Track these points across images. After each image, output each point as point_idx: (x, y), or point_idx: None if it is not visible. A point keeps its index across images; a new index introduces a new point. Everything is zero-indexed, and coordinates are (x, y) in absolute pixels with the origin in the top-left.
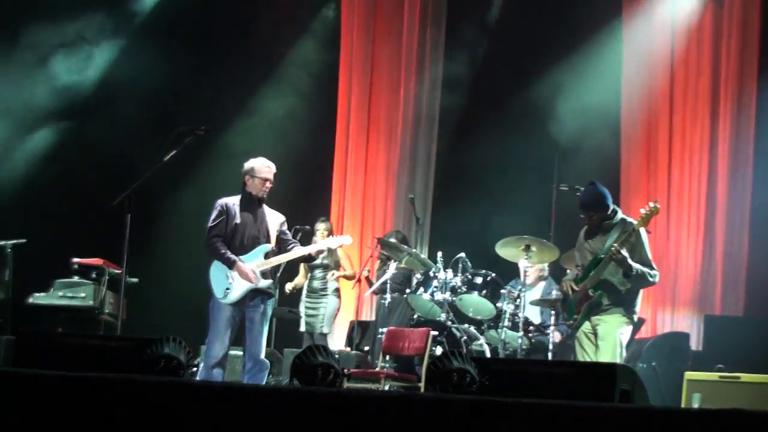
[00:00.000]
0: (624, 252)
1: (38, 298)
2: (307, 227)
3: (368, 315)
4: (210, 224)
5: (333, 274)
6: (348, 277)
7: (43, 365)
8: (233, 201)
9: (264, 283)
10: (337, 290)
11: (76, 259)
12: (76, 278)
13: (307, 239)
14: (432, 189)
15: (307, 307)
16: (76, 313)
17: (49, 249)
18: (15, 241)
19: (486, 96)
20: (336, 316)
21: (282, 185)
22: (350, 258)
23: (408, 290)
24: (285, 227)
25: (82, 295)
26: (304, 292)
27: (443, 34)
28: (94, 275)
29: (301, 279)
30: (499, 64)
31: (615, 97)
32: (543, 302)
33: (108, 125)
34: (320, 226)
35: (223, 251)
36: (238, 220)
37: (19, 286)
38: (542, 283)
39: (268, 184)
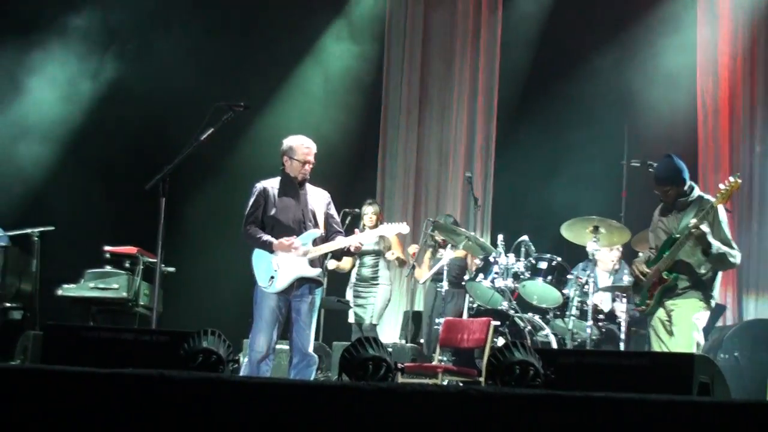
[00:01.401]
0: (704, 227)
1: (67, 290)
2: (357, 210)
3: (423, 305)
4: (247, 210)
5: (390, 255)
6: (401, 262)
7: (73, 361)
8: (272, 183)
9: (312, 271)
10: (389, 278)
11: (108, 248)
12: (108, 268)
13: (355, 224)
14: (491, 168)
15: (356, 297)
16: (108, 306)
17: (79, 236)
18: (42, 229)
19: (548, 68)
20: (387, 305)
21: (327, 166)
22: (402, 244)
23: (466, 277)
24: (332, 207)
25: (115, 286)
26: (353, 280)
27: (500, 1)
28: (127, 264)
29: (347, 265)
30: (561, 33)
31: (689, 66)
32: (613, 288)
33: (141, 104)
34: (367, 210)
35: (258, 235)
36: (278, 204)
37: (47, 277)
38: (614, 268)
39: (307, 166)
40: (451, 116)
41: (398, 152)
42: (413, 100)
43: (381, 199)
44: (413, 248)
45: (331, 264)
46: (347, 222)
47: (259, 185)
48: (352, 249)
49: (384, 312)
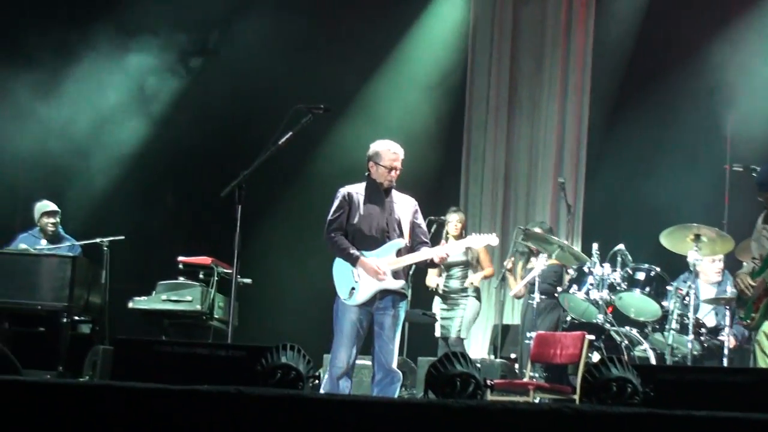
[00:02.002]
0: None
1: (139, 302)
2: (443, 218)
3: (514, 318)
4: (330, 216)
5: (473, 282)
6: (488, 276)
7: (144, 377)
8: (357, 189)
9: (396, 283)
10: (478, 290)
11: (181, 258)
12: (181, 279)
13: (440, 232)
14: (584, 172)
15: (443, 310)
16: (181, 319)
17: (151, 246)
18: (112, 238)
19: (645, 65)
20: (476, 318)
21: (408, 170)
22: (489, 256)
23: (559, 289)
24: (419, 215)
25: (188, 298)
26: (440, 292)
27: None
28: (201, 276)
29: (435, 278)
30: (660, 29)
31: None
32: (716, 301)
33: (215, 107)
34: (452, 217)
35: (344, 246)
36: (362, 212)
37: (117, 289)
38: (717, 280)
39: (393, 173)
40: (541, 116)
41: (484, 155)
42: (501, 99)
43: (465, 205)
44: (510, 263)
45: (432, 281)
46: (432, 230)
47: (343, 190)
48: (436, 260)
49: (472, 325)
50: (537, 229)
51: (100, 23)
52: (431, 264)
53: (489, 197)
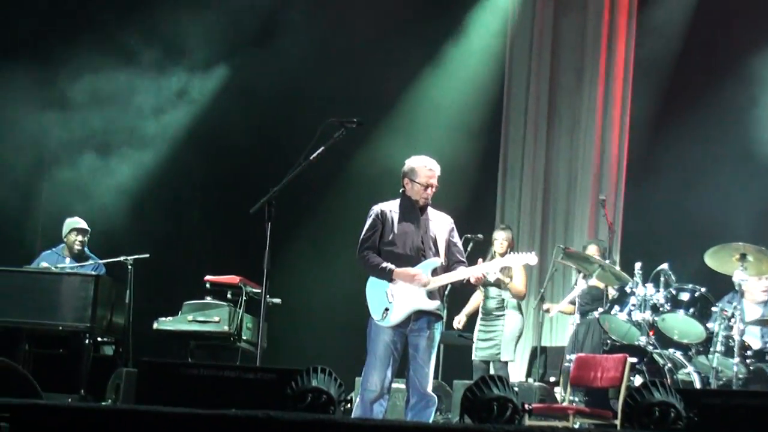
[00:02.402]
0: None
1: (164, 323)
2: (480, 236)
3: (553, 340)
4: (363, 234)
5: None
6: (515, 291)
7: (170, 401)
8: (391, 207)
9: (431, 303)
10: (519, 308)
11: (208, 277)
12: (208, 299)
13: (478, 251)
14: (625, 189)
15: (481, 331)
16: (208, 340)
17: (177, 265)
18: (137, 256)
19: (690, 78)
20: (518, 339)
21: (443, 186)
22: (526, 275)
23: (600, 309)
24: (455, 234)
25: (216, 318)
26: (479, 313)
27: (635, 7)
28: (229, 295)
29: (475, 305)
30: (705, 41)
31: None
32: (763, 322)
33: (243, 120)
34: (499, 235)
35: (376, 262)
36: (396, 230)
37: (142, 309)
38: (763, 299)
39: (430, 190)
40: (581, 131)
41: (522, 171)
42: (540, 113)
43: (502, 223)
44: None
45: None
46: (469, 249)
47: (377, 208)
48: (472, 280)
49: (516, 344)
50: (592, 248)
51: (134, 35)
52: (467, 283)
53: (527, 215)
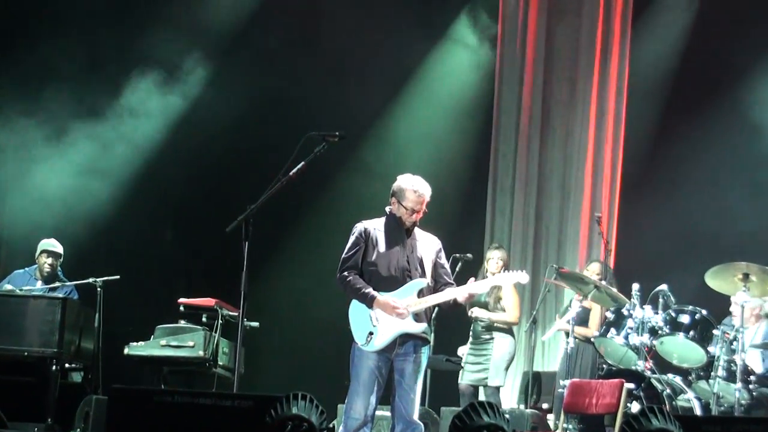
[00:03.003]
0: None
1: (136, 348)
2: (469, 256)
3: (546, 364)
4: (345, 253)
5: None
6: (504, 324)
7: (143, 431)
8: (375, 225)
9: (417, 326)
10: (510, 331)
11: (182, 300)
12: (182, 323)
13: (469, 270)
14: (617, 205)
15: (470, 355)
16: (182, 366)
17: (149, 287)
18: (106, 278)
19: (685, 89)
20: (509, 363)
21: (430, 204)
22: (518, 295)
23: (596, 332)
24: (443, 255)
25: (190, 343)
26: (470, 337)
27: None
28: (204, 319)
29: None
30: (700, 52)
31: None
32: (766, 346)
33: (219, 136)
34: (494, 254)
35: (358, 286)
36: (381, 249)
37: (113, 334)
38: (763, 322)
39: (415, 216)
40: (574, 145)
41: (513, 187)
42: (532, 127)
43: (491, 242)
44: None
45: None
46: (457, 269)
47: (360, 226)
48: (460, 299)
49: (506, 369)
50: (592, 269)
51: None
52: (455, 305)
53: (518, 233)
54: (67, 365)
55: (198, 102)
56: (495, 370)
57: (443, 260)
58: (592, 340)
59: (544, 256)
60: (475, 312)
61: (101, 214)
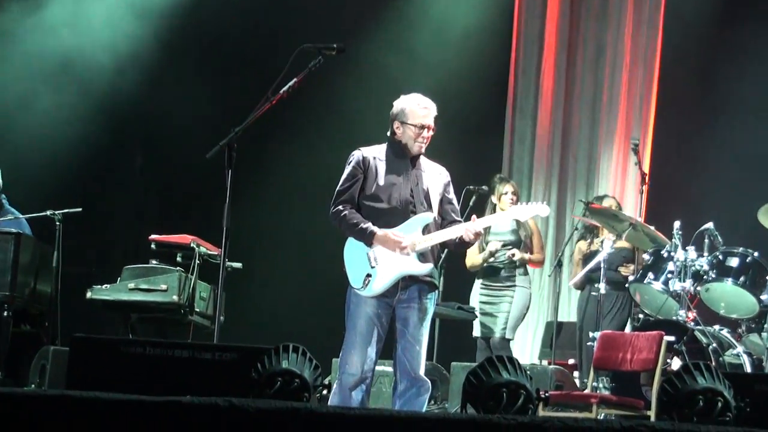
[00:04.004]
0: None
1: (100, 292)
2: (485, 188)
3: (571, 314)
4: (340, 185)
5: (514, 255)
6: (535, 263)
7: (109, 386)
8: (376, 153)
9: (422, 267)
10: (529, 279)
11: (154, 236)
12: (153, 263)
13: (482, 204)
14: (651, 130)
15: (483, 302)
16: (154, 313)
17: (116, 221)
18: (66, 210)
19: None
20: (525, 315)
21: (438, 128)
22: (539, 233)
23: (631, 277)
24: (451, 189)
25: (163, 286)
26: (478, 280)
27: None
28: (179, 258)
29: (475, 258)
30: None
31: None
32: None
33: (199, 45)
34: (503, 188)
35: (355, 221)
36: (382, 181)
37: (73, 275)
38: None
39: (426, 133)
40: (607, 60)
41: (536, 110)
42: (560, 39)
43: (510, 173)
44: (582, 245)
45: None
46: (471, 203)
47: (358, 154)
48: (467, 238)
49: (520, 323)
50: (605, 204)
51: None
52: (461, 244)
53: (541, 163)
54: (20, 310)
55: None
56: (511, 321)
57: (451, 195)
58: (626, 285)
59: (570, 189)
60: (492, 245)
61: (56, 130)
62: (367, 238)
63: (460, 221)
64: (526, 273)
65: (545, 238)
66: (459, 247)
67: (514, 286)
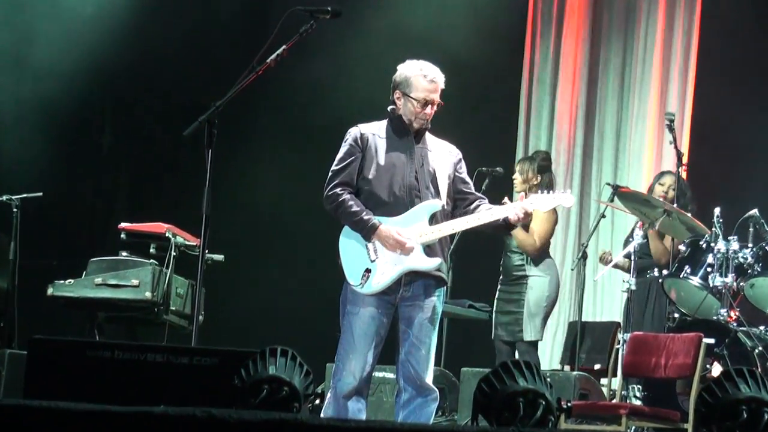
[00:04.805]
0: None
1: (62, 288)
2: (499, 169)
3: (598, 313)
4: (335, 166)
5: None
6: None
7: (72, 395)
8: (375, 130)
9: (429, 262)
10: (546, 268)
11: (124, 225)
12: (124, 254)
13: (498, 190)
14: (690, 106)
15: (500, 300)
16: (124, 311)
17: (81, 208)
18: (25, 195)
19: None
20: (548, 311)
21: (446, 102)
22: (549, 223)
23: (665, 271)
24: (463, 168)
25: (134, 282)
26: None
27: None
28: (153, 250)
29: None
30: None
31: None
32: None
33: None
34: (524, 167)
35: (354, 209)
36: (382, 161)
37: (33, 269)
38: None
39: (429, 109)
40: (638, 28)
41: (555, 81)
42: (582, 2)
43: (526, 153)
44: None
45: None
46: (483, 187)
47: (355, 131)
48: (514, 219)
49: (543, 320)
50: (667, 177)
51: None
52: (505, 227)
53: (561, 141)
54: None
55: None
56: (529, 320)
57: (464, 173)
58: (660, 280)
59: (596, 171)
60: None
61: (12, 104)
62: (367, 233)
63: (483, 199)
64: (540, 266)
65: (566, 227)
66: (499, 230)
67: (526, 277)
